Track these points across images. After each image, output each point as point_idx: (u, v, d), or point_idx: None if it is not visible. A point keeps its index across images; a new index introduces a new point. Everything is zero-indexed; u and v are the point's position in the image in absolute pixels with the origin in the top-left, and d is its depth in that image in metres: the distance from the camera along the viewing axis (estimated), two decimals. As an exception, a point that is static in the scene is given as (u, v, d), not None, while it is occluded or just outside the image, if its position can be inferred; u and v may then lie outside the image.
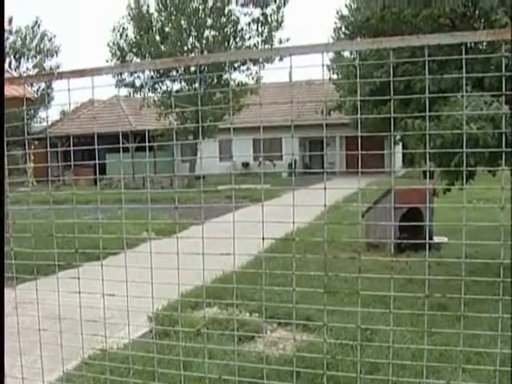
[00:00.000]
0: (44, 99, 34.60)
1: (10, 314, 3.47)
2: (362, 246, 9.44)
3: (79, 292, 3.44)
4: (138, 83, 30.33)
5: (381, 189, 11.16)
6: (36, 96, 27.30)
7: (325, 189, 2.92)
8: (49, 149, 4.26)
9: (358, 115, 3.29)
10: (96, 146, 3.36)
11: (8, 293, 3.57)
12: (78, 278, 3.29)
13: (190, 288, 6.63)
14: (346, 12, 30.08)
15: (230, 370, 4.16)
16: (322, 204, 3.03)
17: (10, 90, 9.24)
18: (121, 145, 3.84)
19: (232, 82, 30.66)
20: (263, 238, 3.08)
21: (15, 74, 22.84)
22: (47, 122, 38.98)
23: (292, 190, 3.24)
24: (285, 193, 17.04)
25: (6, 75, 11.31)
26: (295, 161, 36.46)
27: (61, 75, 2.45)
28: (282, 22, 30.60)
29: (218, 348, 4.59)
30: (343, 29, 30.03)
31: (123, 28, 31.15)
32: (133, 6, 30.57)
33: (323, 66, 2.78)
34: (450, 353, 4.70)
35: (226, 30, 30.42)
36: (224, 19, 30.19)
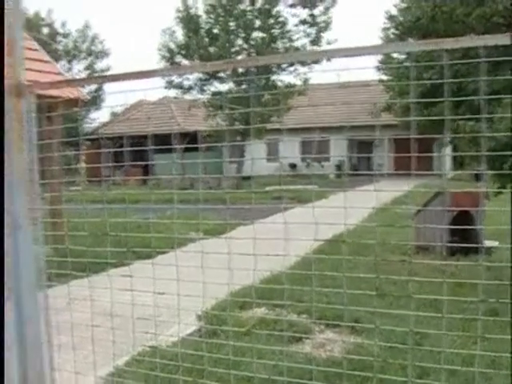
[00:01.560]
0: (95, 101, 35.33)
1: (64, 309, 3.56)
2: (411, 248, 9.31)
3: (131, 290, 3.50)
4: (186, 84, 30.66)
5: (430, 191, 10.99)
6: (88, 98, 27.87)
7: (374, 190, 2.90)
8: (101, 149, 4.35)
9: (410, 117, 3.25)
10: (149, 147, 3.42)
11: (61, 289, 3.68)
12: (131, 277, 3.36)
13: (238, 288, 6.68)
14: (394, 12, 29.82)
15: (278, 371, 4.17)
16: (369, 206, 3.01)
17: (65, 92, 9.51)
18: (175, 145, 3.89)
19: (280, 83, 30.68)
20: (314, 240, 3.08)
21: (68, 77, 23.33)
22: (99, 123, 39.69)
23: (339, 192, 3.23)
24: (332, 194, 16.96)
25: (59, 77, 11.57)
26: (343, 162, 36.23)
27: (117, 77, 2.51)
28: (329, 22, 30.47)
29: (266, 348, 4.60)
30: (392, 29, 29.77)
31: (172, 30, 31.60)
32: (181, 8, 30.94)
33: (377, 68, 2.77)
34: (502, 360, 4.60)
35: (273, 32, 30.45)
36: (272, 20, 30.24)
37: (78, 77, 37.66)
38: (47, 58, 12.35)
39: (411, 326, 3.05)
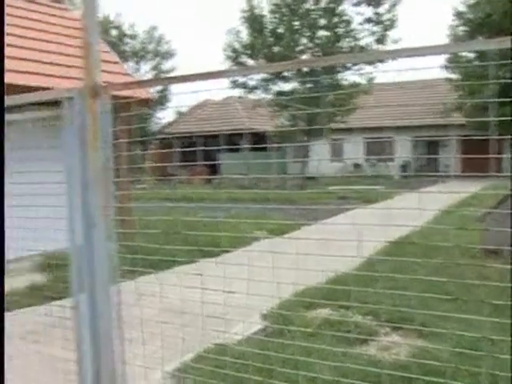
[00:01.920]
0: (161, 100, 35.96)
1: (133, 305, 3.64)
2: (479, 251, 9.05)
3: (197, 288, 3.55)
4: (251, 84, 30.79)
5: (499, 193, 10.65)
6: (156, 98, 28.39)
7: (440, 192, 2.84)
8: (167, 148, 4.42)
9: (481, 117, 3.16)
10: (214, 147, 3.44)
11: (129, 285, 3.76)
12: (201, 275, 3.40)
13: (302, 288, 6.66)
14: (463, 8, 29.03)
15: (343, 372, 4.14)
16: (436, 208, 2.94)
17: (136, 93, 9.73)
18: (240, 145, 3.93)
19: (344, 82, 30.41)
20: (381, 241, 3.04)
21: (136, 77, 23.82)
22: (165, 122, 40.38)
23: (404, 192, 3.17)
24: (397, 194, 16.70)
25: (128, 78, 11.83)
26: (408, 162, 35.58)
27: (187, 78, 2.54)
28: (395, 20, 29.98)
29: (331, 349, 4.57)
30: (461, 26, 29.01)
31: (237, 30, 31.83)
32: (246, 8, 31.10)
33: (444, 66, 2.70)
34: None
35: (338, 30, 30.20)
36: (336, 19, 30.01)
37: (145, 77, 38.50)
38: (116, 59, 12.67)
39: (484, 332, 2.97)
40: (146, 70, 41.93)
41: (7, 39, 9.49)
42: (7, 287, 6.89)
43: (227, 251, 9.17)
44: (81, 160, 2.43)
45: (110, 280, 2.52)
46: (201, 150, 3.49)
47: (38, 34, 11.42)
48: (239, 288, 3.55)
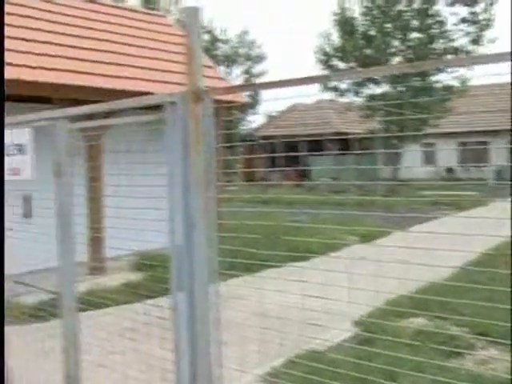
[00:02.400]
0: (252, 104, 36.28)
1: (222, 308, 3.66)
2: None
3: (286, 292, 3.53)
4: (342, 87, 30.51)
5: None
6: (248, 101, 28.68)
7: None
8: (257, 152, 4.43)
9: None
10: (303, 150, 3.41)
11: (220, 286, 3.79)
12: (303, 281, 3.38)
13: (393, 296, 6.51)
14: None
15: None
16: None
17: (231, 97, 9.90)
18: (331, 149, 3.88)
19: (437, 85, 29.55)
20: (475, 251, 2.91)
21: (228, 81, 24.17)
22: (255, 126, 40.73)
23: (500, 200, 3.02)
24: (492, 201, 16.06)
25: (221, 82, 11.99)
26: (504, 168, 34.10)
27: (287, 83, 2.52)
28: (492, 20, 28.81)
29: (426, 361, 4.43)
30: None
31: (328, 33, 31.65)
32: (338, 11, 30.88)
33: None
34: None
35: (431, 32, 29.39)
36: (430, 20, 29.22)
37: (236, 81, 39.04)
38: (210, 63, 12.91)
39: None
40: (237, 74, 42.51)
41: (113, 47, 9.87)
42: (105, 284, 7.13)
43: (316, 256, 9.11)
44: (183, 163, 2.47)
45: (209, 282, 2.54)
46: (289, 152, 3.45)
47: (135, 40, 11.82)
48: (328, 293, 3.50)
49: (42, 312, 5.47)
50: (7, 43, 8.84)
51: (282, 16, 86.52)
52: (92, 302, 4.99)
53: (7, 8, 10.26)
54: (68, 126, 3.56)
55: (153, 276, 7.31)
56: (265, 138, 33.80)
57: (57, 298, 4.91)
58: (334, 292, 3.50)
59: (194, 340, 2.57)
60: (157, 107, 2.86)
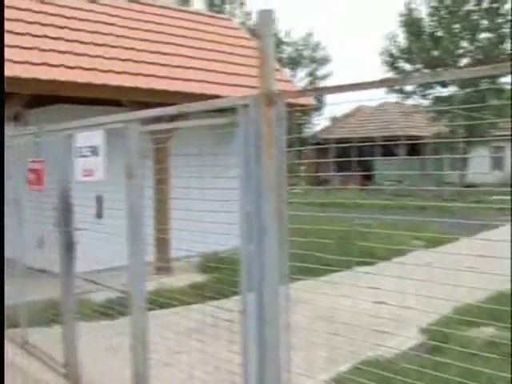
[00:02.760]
0: (317, 106, 36.11)
1: (286, 311, 3.64)
2: None
3: (356, 299, 3.48)
4: (407, 89, 29.95)
5: None
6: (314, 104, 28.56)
7: None
8: (322, 155, 4.38)
9: None
10: (373, 158, 3.35)
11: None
12: (362, 286, 3.34)
13: (460, 305, 6.32)
14: None
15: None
16: None
17: (300, 100, 9.89)
18: (396, 152, 3.80)
19: (508, 87, 28.61)
20: None
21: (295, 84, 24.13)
22: (319, 129, 40.54)
23: None
24: None
25: (288, 84, 11.99)
26: None
27: (357, 86, 2.48)
28: None
29: (497, 373, 4.28)
30: None
31: (394, 35, 31.19)
32: (404, 12, 30.37)
33: None
34: None
35: (501, 32, 28.48)
36: (500, 20, 28.32)
37: (301, 84, 38.99)
38: (277, 66, 12.93)
39: None
40: (301, 77, 42.45)
41: (180, 50, 10.01)
42: (171, 284, 7.23)
43: (382, 260, 8.97)
44: (255, 166, 2.47)
45: (279, 285, 2.53)
46: (354, 155, 3.40)
47: (202, 43, 11.96)
48: (394, 299, 3.43)
49: (110, 310, 5.60)
50: (79, 47, 9.10)
51: (347, 17, 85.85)
52: (158, 301, 5.06)
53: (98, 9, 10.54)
54: (139, 128, 3.63)
55: (218, 278, 7.36)
56: (328, 140, 33.57)
57: (124, 297, 5.02)
58: (399, 298, 3.43)
59: (263, 343, 2.57)
60: (224, 110, 2.88)
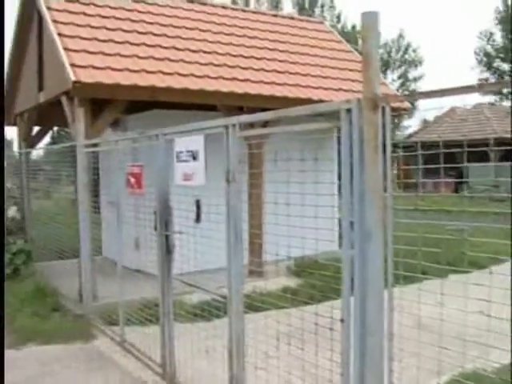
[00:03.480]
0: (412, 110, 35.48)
1: (390, 319, 3.56)
2: None
3: (456, 307, 3.35)
4: (504, 90, 28.82)
5: None
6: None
7: None
8: (412, 158, 4.25)
9: None
10: (467, 164, 3.22)
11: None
12: (456, 295, 3.21)
13: None
14: None
15: None
16: None
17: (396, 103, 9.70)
18: (491, 154, 3.63)
19: None
20: None
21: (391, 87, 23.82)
22: (411, 131, 39.73)
23: None
24: None
25: (383, 87, 11.74)
26: None
27: (459, 90, 2.38)
28: None
29: None
30: None
31: (490, 33, 30.09)
32: (501, 8, 29.23)
33: None
34: None
35: None
36: None
37: (392, 86, 38.30)
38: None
39: None
40: (393, 79, 41.79)
41: (274, 55, 10.06)
42: (265, 288, 7.24)
43: (480, 268, 8.67)
44: (358, 171, 2.43)
45: (382, 293, 2.48)
46: (446, 159, 3.27)
47: (297, 47, 11.99)
48: (490, 310, 3.27)
49: (205, 312, 5.67)
50: (176, 54, 9.32)
51: (439, 16, 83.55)
52: (253, 304, 5.09)
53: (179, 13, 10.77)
54: (238, 133, 3.66)
55: (312, 283, 7.33)
56: (420, 143, 32.79)
57: (219, 300, 5.08)
58: (496, 309, 3.28)
59: (364, 352, 2.53)
60: (319, 115, 2.86)
